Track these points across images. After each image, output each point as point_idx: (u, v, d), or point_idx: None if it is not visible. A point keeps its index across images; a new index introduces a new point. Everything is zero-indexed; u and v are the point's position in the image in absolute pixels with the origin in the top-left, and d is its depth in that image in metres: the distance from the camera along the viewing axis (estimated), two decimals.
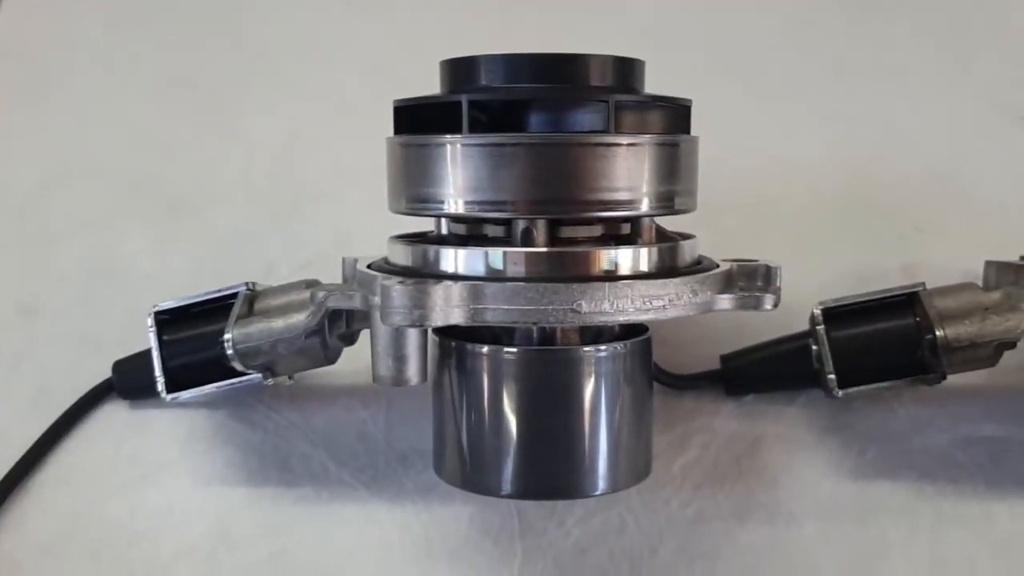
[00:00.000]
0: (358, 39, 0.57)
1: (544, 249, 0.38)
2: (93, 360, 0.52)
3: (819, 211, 0.54)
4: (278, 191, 0.55)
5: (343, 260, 0.46)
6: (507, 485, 0.41)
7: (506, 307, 0.37)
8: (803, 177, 0.55)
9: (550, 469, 0.41)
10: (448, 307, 0.37)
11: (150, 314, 0.47)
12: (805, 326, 0.49)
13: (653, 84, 0.42)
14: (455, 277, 0.38)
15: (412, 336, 0.39)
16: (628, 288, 0.37)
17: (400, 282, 0.36)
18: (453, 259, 0.39)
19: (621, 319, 0.38)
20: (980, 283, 0.48)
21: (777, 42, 0.56)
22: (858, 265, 0.53)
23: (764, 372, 0.50)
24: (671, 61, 0.48)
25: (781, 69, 0.56)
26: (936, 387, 0.47)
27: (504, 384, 0.41)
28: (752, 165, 0.54)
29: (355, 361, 0.47)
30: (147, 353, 0.48)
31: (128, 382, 0.51)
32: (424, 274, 0.39)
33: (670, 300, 0.38)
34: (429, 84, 0.42)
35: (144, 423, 0.51)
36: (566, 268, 0.38)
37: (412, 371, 0.40)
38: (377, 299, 0.37)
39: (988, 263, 0.49)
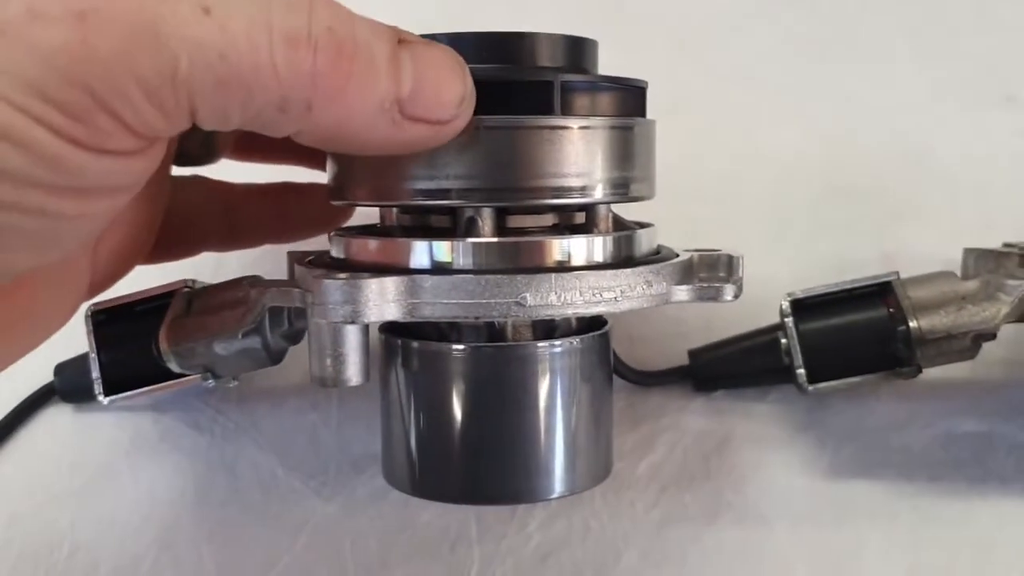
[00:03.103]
0: None
1: (488, 240, 0.36)
2: (35, 362, 0.49)
3: (793, 199, 0.52)
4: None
5: (288, 255, 0.44)
6: (458, 490, 0.40)
7: (445, 301, 0.35)
8: (776, 164, 0.52)
9: (503, 472, 0.39)
10: (383, 302, 0.35)
11: (86, 313, 0.45)
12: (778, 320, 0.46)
13: (616, 69, 0.40)
14: (397, 271, 0.36)
15: (350, 334, 0.37)
16: (576, 280, 0.35)
17: (331, 277, 0.34)
18: (394, 252, 0.37)
19: (569, 312, 0.35)
20: (958, 271, 0.46)
21: (747, 23, 0.54)
22: (835, 255, 0.51)
23: (734, 367, 0.49)
24: (635, 45, 0.46)
25: (751, 51, 0.54)
26: (916, 382, 0.45)
27: (453, 383, 0.39)
28: (722, 152, 0.52)
29: (305, 362, 0.45)
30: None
31: (70, 385, 0.49)
32: (363, 268, 0.37)
33: (622, 292, 0.36)
34: None
35: (88, 428, 0.50)
36: (514, 259, 0.36)
37: (352, 371, 0.37)
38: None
39: (967, 250, 0.47)
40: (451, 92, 0.32)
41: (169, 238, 0.42)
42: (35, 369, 0.50)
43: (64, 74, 0.26)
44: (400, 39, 0.31)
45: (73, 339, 0.48)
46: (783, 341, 0.45)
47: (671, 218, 0.42)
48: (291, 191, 0.46)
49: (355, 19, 0.30)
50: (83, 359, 0.47)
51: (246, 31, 0.28)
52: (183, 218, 0.44)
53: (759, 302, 0.45)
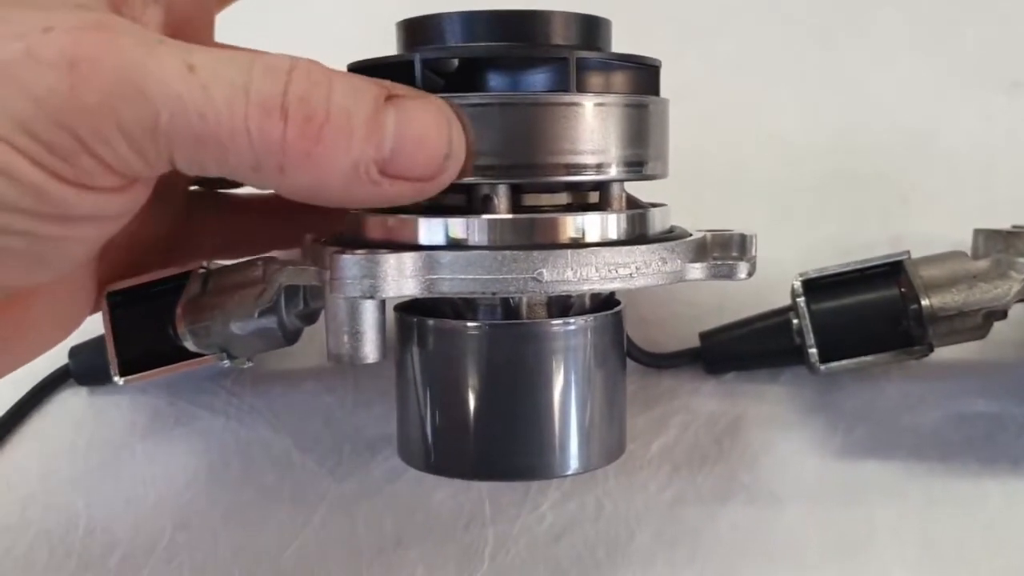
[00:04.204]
0: (317, 5, 0.55)
1: (503, 216, 0.36)
2: None
3: (799, 183, 0.52)
4: None
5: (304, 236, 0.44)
6: (473, 466, 0.40)
7: (463, 277, 0.35)
8: (782, 148, 0.52)
9: (517, 448, 0.39)
10: (401, 278, 0.35)
11: (103, 295, 0.46)
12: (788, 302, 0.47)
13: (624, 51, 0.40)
14: (414, 247, 0.37)
15: (368, 310, 0.37)
16: (592, 255, 0.35)
17: (349, 252, 0.34)
18: (410, 229, 0.37)
19: (585, 288, 0.36)
20: (968, 252, 0.46)
21: (752, 8, 0.54)
22: (842, 238, 0.51)
23: (745, 349, 0.49)
24: (644, 29, 0.46)
25: (757, 36, 0.54)
26: (927, 362, 0.45)
27: (467, 361, 0.39)
28: (728, 136, 0.52)
29: (319, 345, 0.45)
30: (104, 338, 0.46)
31: (85, 368, 0.49)
32: (379, 245, 0.38)
33: (637, 268, 0.36)
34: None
35: (102, 410, 0.50)
36: (528, 236, 0.36)
37: (369, 348, 0.37)
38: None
39: (977, 231, 0.47)
40: (434, 150, 0.32)
41: (173, 250, 0.44)
42: (50, 352, 0.49)
43: (52, 117, 0.28)
44: (389, 96, 0.32)
45: (87, 322, 0.48)
46: (795, 322, 0.46)
47: (677, 202, 0.42)
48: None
49: (334, 83, 0.31)
50: (98, 341, 0.47)
51: (226, 94, 0.29)
52: (188, 231, 0.45)
53: (767, 285, 0.45)
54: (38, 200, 0.29)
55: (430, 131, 0.32)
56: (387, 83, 0.32)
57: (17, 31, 0.28)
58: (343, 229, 0.42)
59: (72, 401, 0.50)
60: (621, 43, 0.40)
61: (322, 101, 0.30)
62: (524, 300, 0.39)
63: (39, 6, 0.29)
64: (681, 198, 0.42)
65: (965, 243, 0.48)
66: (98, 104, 0.28)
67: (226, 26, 0.54)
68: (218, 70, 0.29)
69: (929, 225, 0.51)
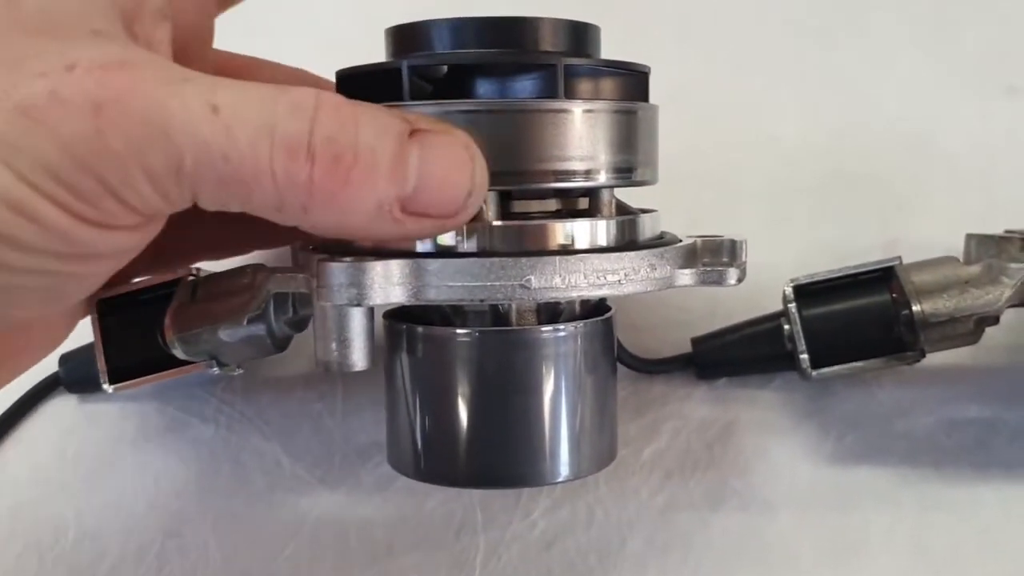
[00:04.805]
0: (312, 10, 0.55)
1: (492, 223, 0.36)
2: None
3: (796, 187, 0.52)
4: None
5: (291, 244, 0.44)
6: (463, 474, 0.40)
7: (451, 284, 0.35)
8: (778, 151, 0.52)
9: (508, 456, 0.39)
10: (388, 285, 0.35)
11: (92, 303, 0.45)
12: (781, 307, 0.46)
13: (618, 54, 0.40)
14: (401, 254, 0.36)
15: (355, 317, 0.37)
16: (580, 262, 0.35)
17: (335, 259, 0.34)
18: None
19: (573, 295, 0.35)
20: (960, 257, 0.46)
21: (750, 8, 0.54)
22: (838, 242, 0.51)
23: (737, 355, 0.48)
24: (636, 32, 0.46)
25: (754, 37, 0.54)
26: (919, 368, 0.45)
27: (457, 368, 0.39)
28: (724, 139, 0.52)
29: (309, 352, 0.45)
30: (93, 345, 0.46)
31: (75, 375, 0.49)
32: (367, 252, 0.37)
33: (626, 275, 0.36)
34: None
35: (93, 418, 0.50)
36: (518, 243, 0.36)
37: (357, 355, 0.37)
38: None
39: (969, 236, 0.47)
40: (457, 188, 0.32)
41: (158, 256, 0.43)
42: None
43: (78, 161, 0.28)
44: (413, 131, 0.31)
45: (77, 329, 0.48)
46: (786, 327, 0.45)
47: (673, 206, 0.42)
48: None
49: (360, 120, 0.30)
50: (87, 349, 0.47)
51: (250, 136, 0.29)
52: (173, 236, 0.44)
53: (762, 290, 0.45)
54: (61, 242, 0.29)
55: (453, 169, 0.32)
56: (411, 116, 0.32)
57: (39, 67, 0.28)
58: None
59: (62, 409, 0.50)
60: (617, 44, 0.40)
61: (350, 141, 0.30)
62: (513, 307, 0.39)
63: (58, 34, 0.29)
64: (677, 200, 0.42)
65: (961, 248, 0.48)
66: (124, 148, 0.28)
67: (226, 28, 0.54)
68: (242, 110, 0.29)
69: (927, 228, 0.51)
